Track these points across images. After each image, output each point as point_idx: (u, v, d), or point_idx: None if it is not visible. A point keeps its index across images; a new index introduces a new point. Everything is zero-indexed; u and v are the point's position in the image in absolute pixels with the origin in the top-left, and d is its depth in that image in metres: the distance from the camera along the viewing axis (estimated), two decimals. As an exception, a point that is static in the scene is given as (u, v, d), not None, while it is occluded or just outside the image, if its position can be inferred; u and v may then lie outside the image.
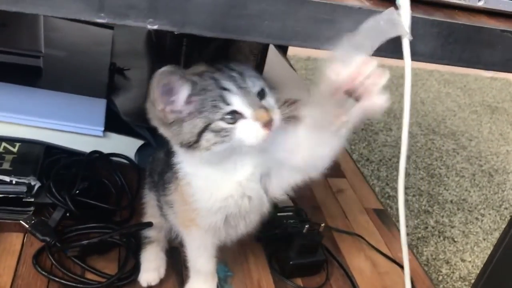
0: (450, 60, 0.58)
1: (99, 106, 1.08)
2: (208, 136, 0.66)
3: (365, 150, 1.88)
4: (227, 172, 0.73)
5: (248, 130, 0.66)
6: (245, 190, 0.74)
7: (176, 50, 1.33)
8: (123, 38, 1.40)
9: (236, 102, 0.66)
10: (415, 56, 0.57)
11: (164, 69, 0.63)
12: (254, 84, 0.68)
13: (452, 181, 1.82)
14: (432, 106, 2.35)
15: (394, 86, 2.61)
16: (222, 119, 0.65)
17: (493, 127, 2.29)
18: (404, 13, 0.53)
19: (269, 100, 0.69)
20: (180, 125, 0.67)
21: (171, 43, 1.37)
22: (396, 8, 0.53)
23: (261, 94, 0.68)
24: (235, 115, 0.66)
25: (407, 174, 1.79)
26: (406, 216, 1.58)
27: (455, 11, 0.59)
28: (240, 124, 0.66)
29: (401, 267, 1.05)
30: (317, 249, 0.98)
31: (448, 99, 2.47)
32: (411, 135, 2.06)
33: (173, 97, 0.66)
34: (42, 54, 1.11)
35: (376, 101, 0.58)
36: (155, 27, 0.50)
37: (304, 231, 0.95)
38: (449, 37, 0.57)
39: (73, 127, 1.01)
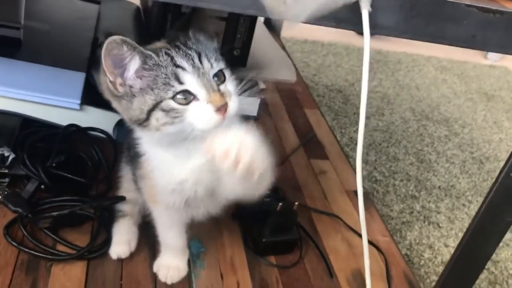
0: (413, 34, 0.57)
1: (77, 79, 1.07)
2: (157, 115, 0.64)
3: (355, 134, 1.87)
4: (180, 157, 0.70)
5: (200, 113, 0.64)
6: (198, 177, 0.71)
7: (162, 26, 1.33)
8: (109, 13, 1.39)
9: (190, 81, 0.64)
10: (376, 29, 0.55)
11: (114, 37, 0.60)
12: (212, 66, 0.66)
13: (441, 167, 1.80)
14: (427, 92, 2.33)
15: (390, 71, 2.60)
16: (173, 98, 0.63)
17: (487, 114, 2.27)
18: (364, -18, 0.52)
19: (228, 85, 0.67)
20: (130, 100, 0.65)
21: (157, 19, 1.36)
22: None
23: (220, 77, 0.66)
24: (187, 96, 0.63)
25: (396, 159, 1.78)
26: (392, 200, 1.57)
27: (422, -16, 0.58)
28: (192, 105, 0.64)
29: (378, 249, 1.06)
30: (291, 228, 0.98)
31: (444, 86, 2.44)
32: (404, 120, 2.05)
33: (122, 69, 0.64)
34: (22, 26, 1.10)
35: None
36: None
37: (278, 209, 0.94)
38: (412, 10, 0.55)
39: (49, 99, 1.01)
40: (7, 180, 0.94)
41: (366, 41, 0.54)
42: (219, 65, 0.67)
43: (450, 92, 2.39)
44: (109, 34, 0.60)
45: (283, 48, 1.76)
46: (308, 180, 1.20)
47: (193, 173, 0.71)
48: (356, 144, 1.79)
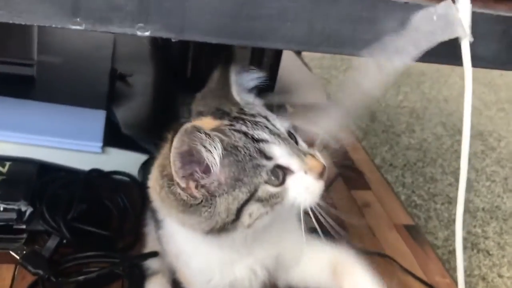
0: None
1: (97, 118, 0.97)
2: (252, 209, 0.50)
3: (387, 154, 1.76)
4: (239, 254, 0.58)
5: (303, 187, 0.51)
6: (256, 273, 0.59)
7: (183, 54, 1.23)
8: (125, 40, 1.30)
9: (279, 153, 0.51)
10: (474, 61, 0.45)
11: (186, 127, 0.46)
12: (283, 127, 0.54)
13: (482, 186, 1.69)
14: (456, 104, 2.22)
15: (415, 84, 2.48)
16: (267, 181, 0.50)
17: (522, 125, 2.16)
18: (463, 7, 0.42)
19: (301, 143, 0.55)
20: (210, 204, 0.50)
21: (177, 46, 1.27)
22: (453, 1, 0.42)
23: (291, 136, 0.54)
24: (278, 173, 0.50)
25: (434, 180, 1.67)
26: (435, 226, 1.46)
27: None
28: (291, 181, 0.51)
29: (438, 292, 0.94)
30: None
31: (472, 96, 2.33)
32: (436, 136, 1.94)
33: (196, 167, 0.49)
34: (35, 61, 1.01)
35: None
36: (147, 33, 0.39)
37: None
38: (517, 37, 0.45)
39: (68, 143, 0.91)
40: (24, 236, 0.85)
41: (468, 79, 0.44)
42: (286, 124, 0.55)
43: (480, 104, 2.28)
44: (175, 130, 0.45)
45: (309, 67, 1.66)
46: (352, 215, 1.09)
47: (249, 270, 0.59)
48: (390, 165, 1.69)
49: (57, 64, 1.09)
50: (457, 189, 1.72)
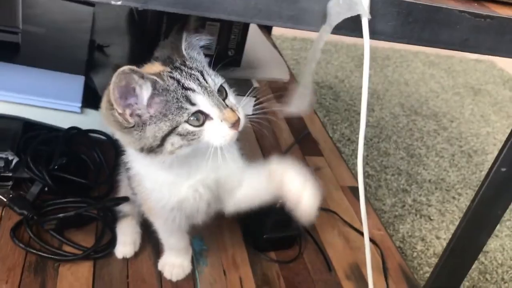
0: (410, 39, 0.60)
1: (77, 82, 1.08)
2: (173, 140, 0.64)
3: (346, 130, 1.91)
4: (180, 176, 0.72)
5: (216, 132, 0.65)
6: (198, 194, 0.74)
7: (157, 28, 1.34)
8: (104, 15, 1.40)
9: (201, 102, 0.64)
10: (375, 35, 0.58)
11: (123, 69, 0.59)
12: (215, 82, 0.67)
13: (431, 161, 1.85)
14: (416, 87, 2.38)
15: (378, 67, 2.63)
16: (187, 121, 0.63)
17: (475, 108, 2.32)
18: (363, -8, 0.55)
19: (231, 98, 0.69)
20: (142, 129, 0.64)
21: (152, 20, 1.37)
22: (356, -13, 0.55)
23: (222, 92, 0.68)
24: (199, 116, 0.64)
25: (387, 154, 1.82)
26: (384, 194, 1.61)
27: (417, -9, 0.61)
28: (207, 125, 0.65)
29: (374, 243, 1.09)
30: (291, 224, 1.01)
31: (432, 81, 2.49)
32: (393, 115, 2.09)
33: (133, 99, 0.63)
34: (20, 30, 1.11)
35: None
36: (119, 3, 0.51)
37: (277, 206, 0.97)
38: (409, 17, 0.58)
39: (51, 103, 1.03)
40: (10, 183, 0.96)
41: (366, 49, 0.57)
42: (219, 80, 0.68)
43: (438, 87, 2.44)
44: (116, 67, 0.60)
45: (275, 47, 1.78)
46: (304, 177, 1.23)
47: (193, 190, 0.73)
48: (348, 139, 1.84)
49: (41, 33, 1.20)
50: (408, 162, 1.88)
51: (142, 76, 0.62)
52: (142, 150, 0.66)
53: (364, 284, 0.97)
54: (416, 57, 2.71)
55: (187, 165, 0.70)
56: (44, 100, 1.02)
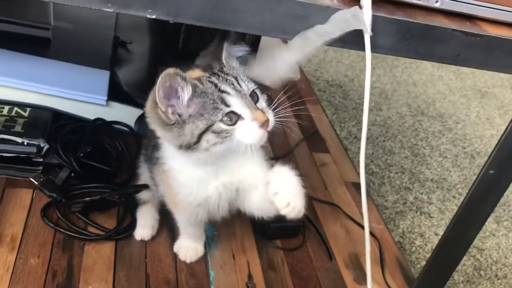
0: (407, 53, 0.68)
1: (103, 77, 1.17)
2: (208, 137, 0.71)
3: (354, 128, 1.98)
4: (208, 175, 0.80)
5: (247, 130, 0.72)
6: (222, 194, 0.82)
7: (177, 29, 1.42)
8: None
9: (235, 103, 0.72)
10: (376, 49, 0.66)
11: (168, 71, 0.67)
12: (248, 87, 0.75)
13: (434, 161, 1.91)
14: (424, 88, 2.44)
15: (388, 68, 2.69)
16: (221, 120, 0.71)
17: (481, 111, 2.38)
18: (366, 12, 0.62)
19: (262, 102, 0.77)
20: (181, 127, 0.71)
21: (172, 23, 1.45)
22: (360, 7, 0.62)
23: (253, 97, 0.75)
24: (232, 117, 0.71)
25: (392, 153, 1.89)
26: (387, 191, 1.69)
27: (415, 10, 0.68)
28: (239, 125, 0.72)
29: (373, 236, 1.17)
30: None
31: (440, 82, 2.55)
32: (400, 115, 2.15)
33: (175, 99, 0.70)
34: (51, 26, 1.20)
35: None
36: (153, 16, 0.59)
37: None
38: (406, 33, 0.66)
39: (78, 95, 1.11)
40: (41, 168, 1.05)
41: (368, 62, 0.65)
42: (252, 85, 0.76)
43: (446, 89, 2.49)
44: (161, 69, 0.67)
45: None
46: (310, 171, 1.31)
47: (218, 190, 0.81)
48: (354, 137, 1.91)
49: (70, 29, 1.28)
50: (411, 161, 1.95)
51: (185, 79, 0.70)
52: (180, 146, 0.73)
53: (362, 272, 1.05)
54: (426, 59, 2.76)
55: (217, 165, 0.78)
56: (72, 92, 1.11)
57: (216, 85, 0.73)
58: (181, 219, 0.94)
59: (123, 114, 1.16)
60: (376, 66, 2.51)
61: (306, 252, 1.06)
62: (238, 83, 0.74)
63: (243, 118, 0.73)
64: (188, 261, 0.96)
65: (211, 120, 0.71)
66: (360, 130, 1.98)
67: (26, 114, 1.08)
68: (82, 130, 1.11)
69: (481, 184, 0.86)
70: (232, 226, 1.07)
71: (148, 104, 0.73)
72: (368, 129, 1.99)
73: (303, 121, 1.47)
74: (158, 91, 0.68)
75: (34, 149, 1.02)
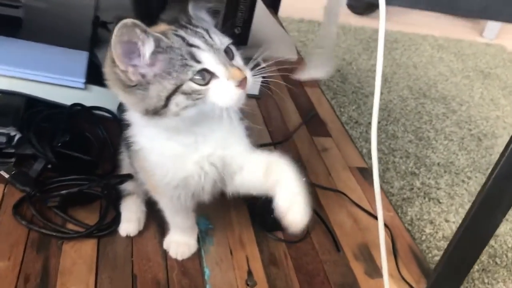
0: (427, 5, 0.57)
1: (81, 58, 1.06)
2: (178, 99, 0.61)
3: (354, 112, 1.88)
4: (186, 148, 0.69)
5: (222, 91, 0.62)
6: (204, 171, 0.71)
7: (160, 8, 1.31)
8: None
9: (207, 59, 0.62)
10: (392, 0, 0.55)
11: (125, 21, 0.57)
12: (221, 42, 0.64)
13: (440, 144, 1.82)
14: (425, 70, 2.34)
15: (387, 50, 2.60)
16: (192, 79, 0.61)
17: (484, 92, 2.28)
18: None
19: (238, 60, 0.66)
20: (145, 88, 0.61)
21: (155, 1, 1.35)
22: None
23: (228, 53, 0.65)
24: (204, 75, 0.61)
25: (395, 137, 1.79)
26: (392, 177, 1.59)
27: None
28: (213, 84, 0.62)
29: (384, 224, 1.06)
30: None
31: (441, 64, 2.45)
32: (401, 98, 2.05)
33: (136, 56, 0.60)
34: (21, 4, 1.09)
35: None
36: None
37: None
38: (427, -19, 0.56)
39: (54, 78, 1.01)
40: (13, 159, 0.94)
41: (382, 14, 0.54)
42: (226, 40, 0.65)
43: (447, 70, 2.40)
44: (119, 18, 0.57)
45: (282, 26, 1.75)
46: (311, 157, 1.21)
47: (198, 167, 0.70)
48: (355, 122, 1.81)
49: (44, 8, 1.17)
50: (416, 145, 1.85)
51: (145, 31, 0.59)
52: (146, 112, 0.63)
53: (373, 264, 0.95)
54: (425, 41, 2.67)
55: (193, 135, 0.68)
56: (47, 75, 1.00)
57: (184, 39, 0.62)
58: (164, 205, 0.83)
59: (104, 98, 1.05)
60: (374, 50, 2.41)
61: (311, 244, 0.96)
62: (210, 36, 0.64)
63: (217, 77, 0.62)
64: (180, 258, 0.86)
65: (180, 80, 0.60)
66: (360, 114, 1.88)
67: (-6, 101, 0.97)
68: (59, 116, 1.00)
69: (506, 166, 0.75)
70: (228, 217, 0.97)
71: (106, 63, 0.62)
72: (369, 114, 1.89)
73: (301, 104, 1.37)
74: (114, 45, 0.58)
75: (3, 139, 0.92)
